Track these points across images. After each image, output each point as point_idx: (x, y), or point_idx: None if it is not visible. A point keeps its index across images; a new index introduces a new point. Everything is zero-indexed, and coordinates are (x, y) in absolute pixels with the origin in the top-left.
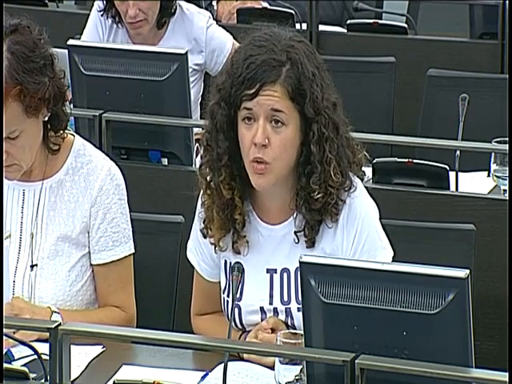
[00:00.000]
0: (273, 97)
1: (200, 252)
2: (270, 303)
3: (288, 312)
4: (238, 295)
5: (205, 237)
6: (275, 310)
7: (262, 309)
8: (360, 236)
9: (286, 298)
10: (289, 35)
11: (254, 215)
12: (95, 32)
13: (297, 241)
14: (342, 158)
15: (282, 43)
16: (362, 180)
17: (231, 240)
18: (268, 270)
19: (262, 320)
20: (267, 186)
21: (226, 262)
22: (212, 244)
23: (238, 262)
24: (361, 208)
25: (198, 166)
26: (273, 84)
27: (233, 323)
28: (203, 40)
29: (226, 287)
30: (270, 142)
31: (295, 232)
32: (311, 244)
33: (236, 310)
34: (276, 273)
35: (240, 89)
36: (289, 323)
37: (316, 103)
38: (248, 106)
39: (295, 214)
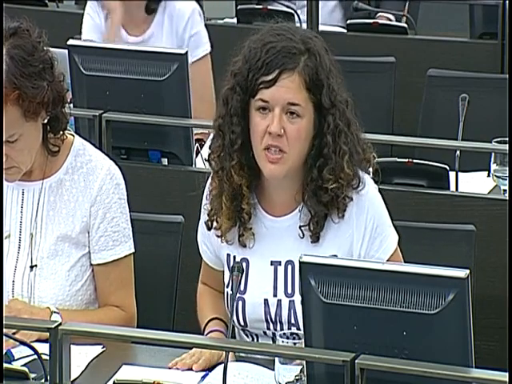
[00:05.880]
0: (290, 88)
1: (205, 243)
2: (274, 295)
3: (291, 305)
4: (242, 288)
5: (209, 229)
6: (279, 303)
7: (266, 301)
8: (372, 220)
9: (289, 291)
10: (303, 30)
11: (259, 208)
12: (92, 22)
13: (302, 235)
14: (354, 154)
15: (300, 34)
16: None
17: (237, 233)
18: (272, 262)
19: (265, 314)
20: (279, 176)
21: (229, 255)
22: (218, 236)
23: (238, 262)
24: (369, 198)
25: (197, 165)
26: (291, 72)
27: (235, 319)
28: (187, 31)
29: (229, 282)
30: (286, 132)
31: (300, 227)
32: (316, 239)
33: (240, 304)
34: (280, 265)
35: (258, 73)
36: (292, 319)
37: (332, 95)
38: (264, 97)
39: (301, 207)
